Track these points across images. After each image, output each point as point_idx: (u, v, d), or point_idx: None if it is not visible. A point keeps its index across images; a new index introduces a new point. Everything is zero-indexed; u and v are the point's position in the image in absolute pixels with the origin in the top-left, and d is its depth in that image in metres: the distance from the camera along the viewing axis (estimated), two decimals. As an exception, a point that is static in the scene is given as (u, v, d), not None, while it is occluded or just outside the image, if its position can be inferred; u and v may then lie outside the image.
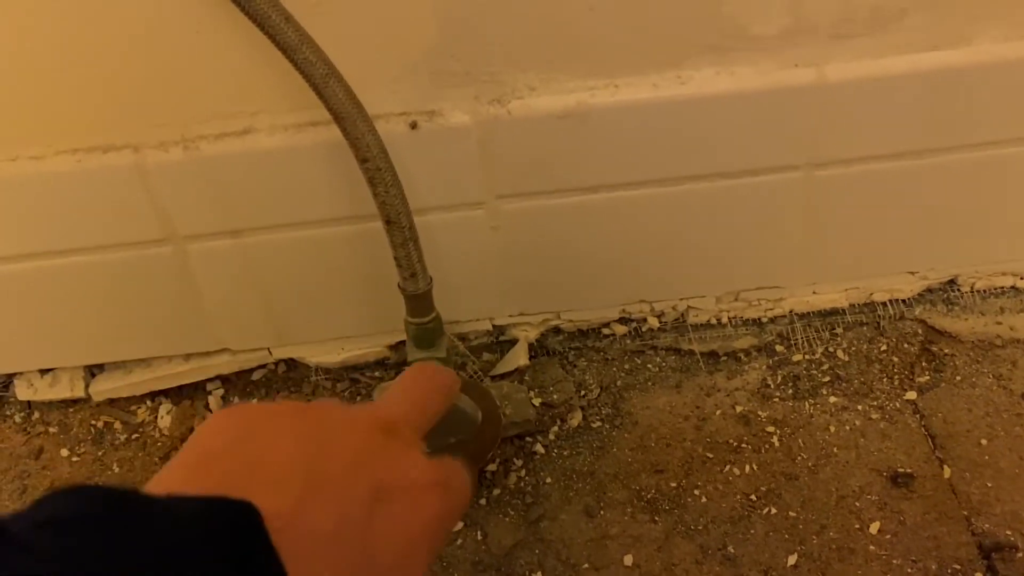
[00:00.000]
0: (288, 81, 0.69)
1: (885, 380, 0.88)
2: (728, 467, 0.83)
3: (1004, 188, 0.83)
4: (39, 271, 0.82)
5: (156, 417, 0.93)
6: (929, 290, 0.92)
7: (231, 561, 0.28)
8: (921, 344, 0.90)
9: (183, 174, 0.75)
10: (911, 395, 0.86)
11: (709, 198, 0.81)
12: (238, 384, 0.94)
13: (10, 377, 0.95)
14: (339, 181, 0.76)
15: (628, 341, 0.93)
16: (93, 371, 0.94)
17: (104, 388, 0.93)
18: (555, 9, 0.69)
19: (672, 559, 0.77)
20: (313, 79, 0.63)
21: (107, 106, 0.72)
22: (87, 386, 0.94)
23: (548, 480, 0.84)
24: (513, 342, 0.93)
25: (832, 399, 0.87)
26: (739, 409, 0.87)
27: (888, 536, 0.77)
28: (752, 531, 0.78)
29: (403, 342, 0.91)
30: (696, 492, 0.81)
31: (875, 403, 0.86)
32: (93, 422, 0.94)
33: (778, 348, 0.91)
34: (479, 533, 0.81)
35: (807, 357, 0.90)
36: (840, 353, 0.90)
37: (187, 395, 0.94)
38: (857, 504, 0.79)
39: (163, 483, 0.33)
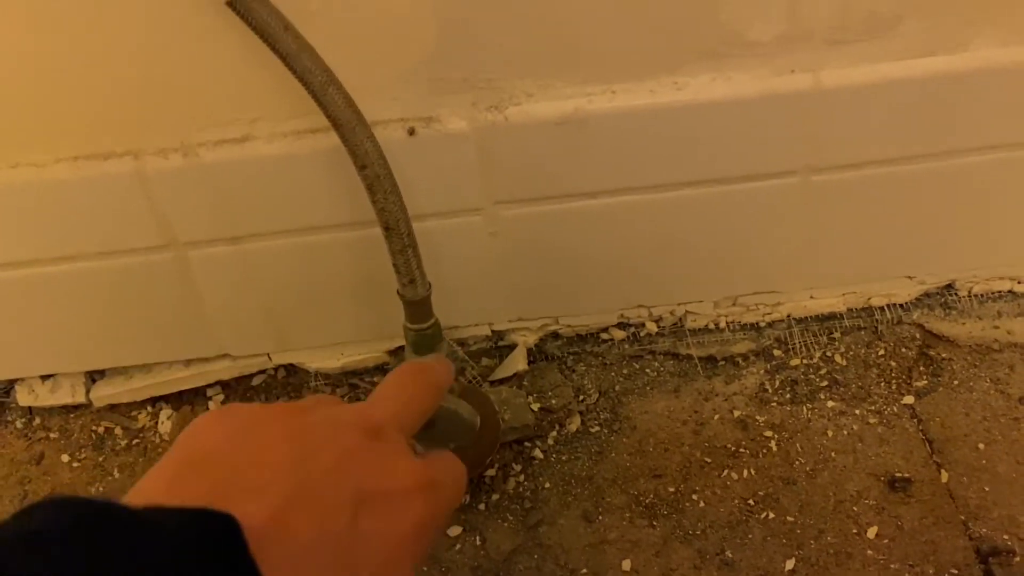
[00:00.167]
0: (287, 88, 0.69)
1: (883, 384, 0.88)
2: (726, 472, 0.83)
3: (1001, 193, 0.84)
4: (40, 277, 0.82)
5: (157, 422, 0.94)
6: (927, 294, 0.93)
7: (213, 574, 0.28)
8: (919, 348, 0.90)
9: (183, 181, 0.76)
10: (909, 399, 0.87)
11: (706, 203, 0.81)
12: (238, 389, 0.95)
13: (11, 383, 0.95)
14: (338, 187, 0.77)
15: (626, 346, 0.93)
16: (94, 377, 0.95)
17: (105, 394, 0.93)
18: (552, 15, 0.69)
19: (670, 564, 0.77)
20: (312, 87, 0.64)
21: (107, 113, 0.73)
22: (88, 392, 0.94)
23: (547, 485, 0.84)
24: (512, 347, 0.93)
25: (830, 403, 0.87)
26: (737, 414, 0.87)
27: (886, 541, 0.77)
28: (750, 536, 0.78)
29: (402, 347, 0.92)
30: (694, 497, 0.81)
31: (873, 407, 0.86)
32: (94, 427, 0.94)
33: (776, 353, 0.92)
34: (478, 538, 0.81)
35: (805, 362, 0.91)
36: (838, 358, 0.91)
37: (187, 400, 0.95)
38: (855, 509, 0.79)
39: (146, 488, 0.33)
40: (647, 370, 0.92)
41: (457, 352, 0.92)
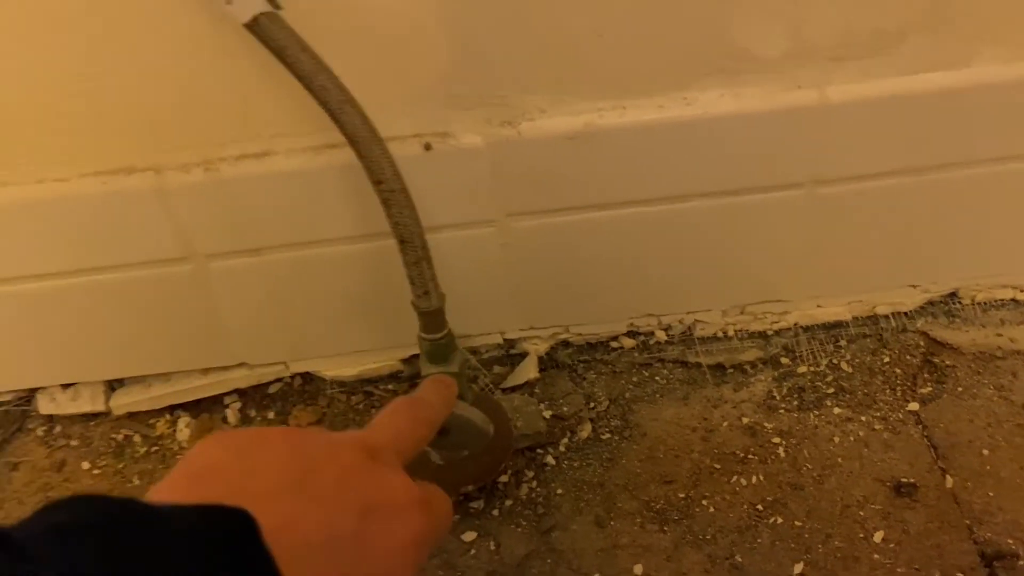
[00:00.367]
0: (305, 106, 0.71)
1: (888, 391, 0.90)
2: (735, 477, 0.85)
3: (1003, 203, 0.85)
4: (62, 289, 0.84)
5: (175, 430, 0.95)
6: (931, 303, 0.94)
7: (229, 566, 0.29)
8: (923, 356, 0.92)
9: (203, 195, 0.78)
10: (914, 406, 0.88)
11: (715, 215, 0.83)
12: (255, 397, 0.97)
13: (32, 392, 0.97)
14: (354, 201, 0.78)
15: (636, 354, 0.95)
16: (113, 385, 0.97)
17: (124, 402, 0.95)
18: (564, 34, 0.71)
19: (681, 568, 0.79)
20: (329, 105, 0.65)
21: (130, 130, 0.75)
22: (107, 400, 0.96)
23: (559, 491, 0.86)
24: (523, 355, 0.95)
25: (836, 410, 0.89)
26: (745, 420, 0.89)
27: (892, 545, 0.78)
28: (759, 540, 0.80)
29: (416, 356, 0.94)
30: (704, 502, 0.83)
31: (878, 414, 0.88)
32: (113, 435, 0.96)
33: (783, 360, 0.93)
34: (492, 543, 0.82)
35: (812, 369, 0.92)
36: (844, 365, 0.92)
37: (205, 408, 0.96)
38: (861, 513, 0.81)
39: (159, 496, 0.34)
40: (657, 378, 0.94)
41: (470, 360, 0.94)
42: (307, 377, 0.97)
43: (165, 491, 0.35)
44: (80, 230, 0.80)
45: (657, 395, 0.92)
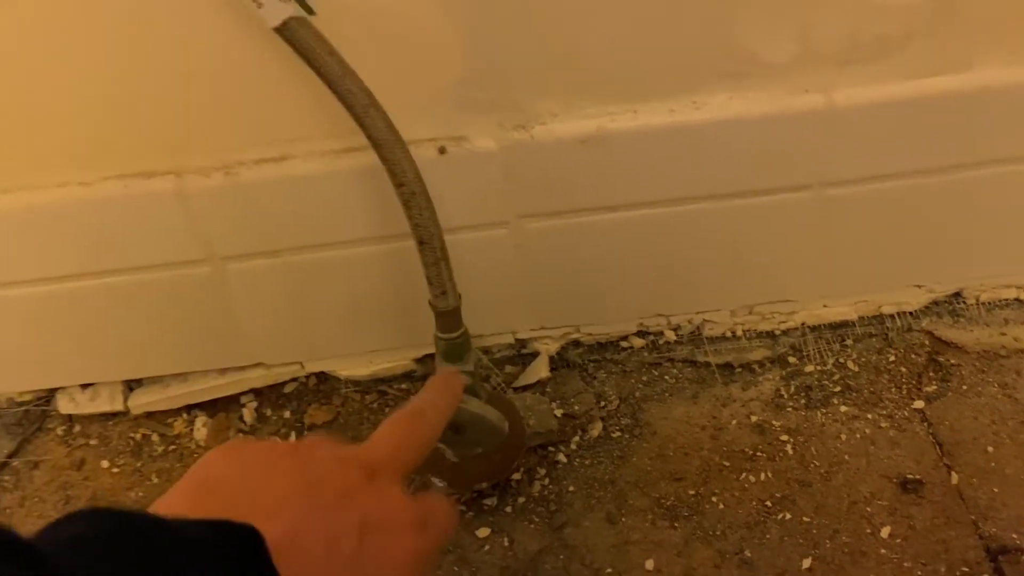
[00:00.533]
0: (324, 110, 0.73)
1: (894, 390, 0.91)
2: (744, 475, 0.86)
3: (1007, 204, 0.87)
4: (83, 290, 0.86)
5: (192, 429, 0.97)
6: (935, 303, 0.96)
7: None
8: (928, 355, 0.94)
9: (223, 198, 0.79)
10: (919, 404, 0.90)
11: (723, 216, 0.85)
12: (271, 397, 0.98)
13: (52, 392, 0.99)
14: (371, 203, 0.80)
15: (646, 353, 0.96)
16: (132, 385, 0.98)
17: (142, 402, 0.97)
18: (576, 41, 0.73)
19: (692, 563, 0.80)
20: (354, 109, 0.67)
21: (152, 134, 0.76)
22: (126, 400, 0.97)
23: (571, 488, 0.87)
24: (535, 355, 0.97)
25: (843, 408, 0.90)
26: (754, 419, 0.90)
27: (899, 540, 0.80)
28: (768, 536, 0.81)
29: (429, 355, 0.95)
30: (714, 499, 0.85)
31: (884, 412, 0.89)
32: (132, 434, 0.97)
33: (791, 360, 0.95)
34: (506, 539, 0.84)
35: (819, 368, 0.94)
36: (850, 364, 0.94)
37: (222, 408, 0.98)
38: (868, 509, 0.82)
39: (167, 507, 0.36)
40: (666, 377, 0.95)
41: (482, 360, 0.96)
42: (322, 377, 0.98)
43: (172, 501, 0.36)
44: (101, 232, 0.81)
45: (667, 394, 0.94)
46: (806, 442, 0.88)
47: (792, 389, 0.93)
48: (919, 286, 0.94)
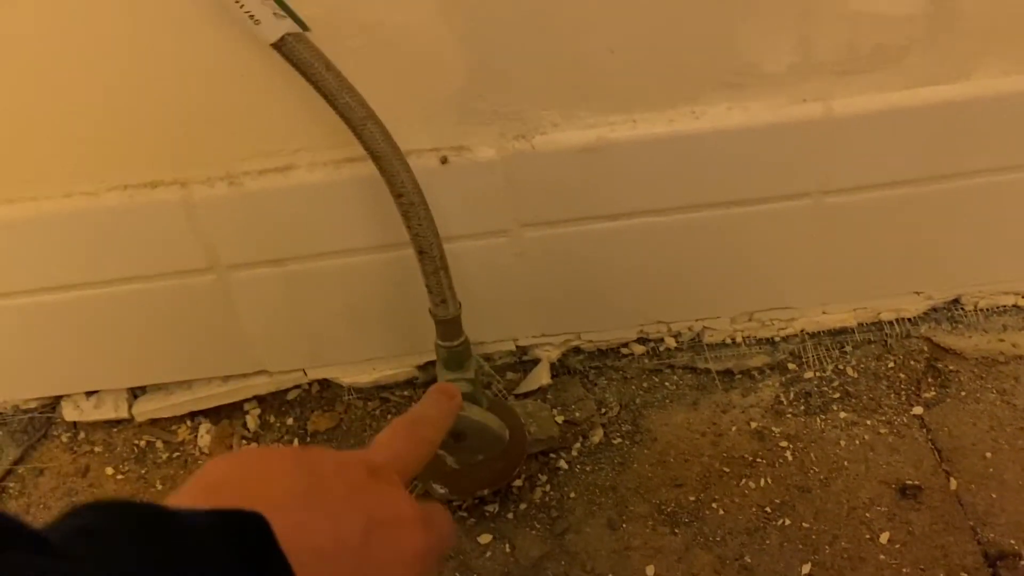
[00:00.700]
0: (327, 121, 0.74)
1: (893, 396, 0.92)
2: (744, 481, 0.87)
3: (1005, 212, 0.87)
4: (88, 299, 0.86)
5: (196, 436, 0.98)
6: (934, 309, 0.96)
7: (248, 567, 0.31)
8: (927, 361, 0.94)
9: (227, 208, 0.80)
10: (918, 410, 0.90)
11: (723, 225, 0.85)
12: (274, 404, 0.99)
13: (57, 399, 1.00)
14: (373, 213, 0.81)
15: (646, 360, 0.97)
16: (136, 393, 0.99)
17: (146, 409, 0.98)
18: (577, 51, 0.74)
19: (692, 569, 0.81)
20: (351, 122, 0.68)
21: (157, 145, 0.77)
22: (130, 407, 0.98)
23: (572, 495, 0.88)
24: (536, 362, 0.97)
25: (842, 414, 0.91)
26: (754, 425, 0.91)
27: (897, 546, 0.80)
28: (768, 542, 0.82)
29: (431, 362, 0.96)
30: (714, 505, 0.85)
31: (883, 418, 0.90)
32: (136, 441, 0.98)
33: (790, 366, 0.95)
34: (507, 545, 0.85)
35: (818, 374, 0.94)
36: (849, 370, 0.94)
37: (225, 415, 0.99)
38: (867, 515, 0.83)
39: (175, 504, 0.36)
40: (666, 384, 0.96)
41: (483, 367, 0.96)
42: (325, 384, 0.99)
43: (178, 502, 0.36)
44: (106, 242, 0.82)
45: (667, 400, 0.95)
46: (805, 448, 0.89)
47: (792, 395, 0.93)
48: (918, 293, 0.95)
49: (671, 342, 0.97)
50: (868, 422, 0.90)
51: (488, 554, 0.84)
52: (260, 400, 0.99)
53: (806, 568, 0.80)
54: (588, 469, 0.90)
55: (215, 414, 0.99)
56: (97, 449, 0.98)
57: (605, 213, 0.84)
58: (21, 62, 0.71)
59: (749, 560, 0.81)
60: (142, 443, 0.98)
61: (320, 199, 0.80)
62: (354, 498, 0.39)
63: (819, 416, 0.91)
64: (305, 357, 0.95)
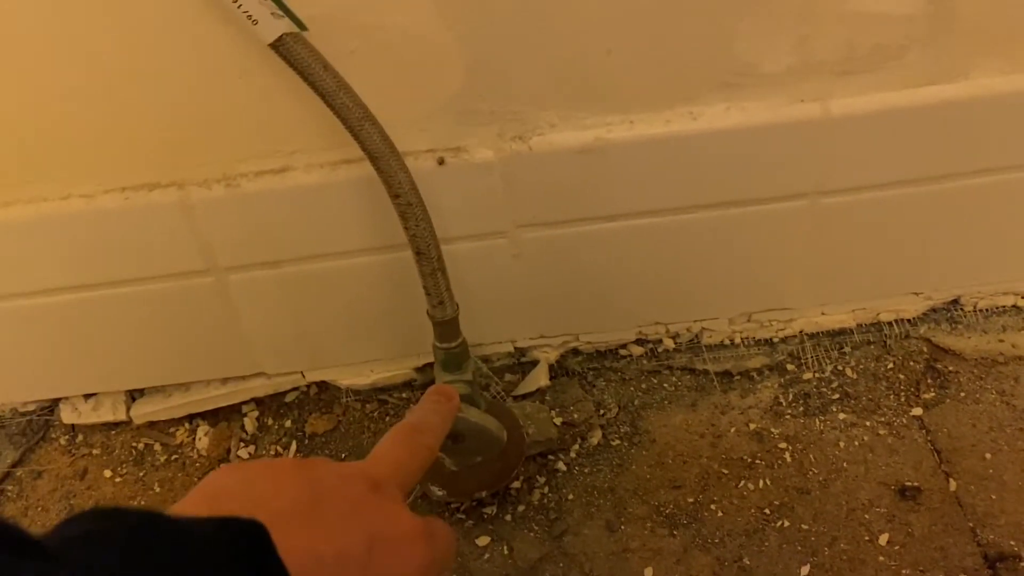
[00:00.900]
0: (324, 122, 0.74)
1: (892, 397, 0.92)
2: (743, 482, 0.86)
3: (1004, 212, 0.87)
4: (86, 301, 0.86)
5: (194, 438, 0.97)
6: (933, 310, 0.96)
7: (245, 571, 0.31)
8: (926, 362, 0.94)
9: (224, 209, 0.80)
10: (917, 411, 0.90)
11: (721, 225, 0.85)
12: (272, 406, 0.99)
13: (55, 402, 0.99)
14: (371, 214, 0.81)
15: (645, 361, 0.97)
16: (134, 395, 0.99)
17: (144, 411, 0.98)
18: (575, 52, 0.73)
19: (691, 571, 0.81)
20: (349, 122, 0.68)
21: (153, 147, 0.77)
22: (128, 410, 0.98)
23: (570, 496, 0.88)
24: (534, 363, 0.97)
25: (841, 416, 0.91)
26: (752, 426, 0.91)
27: (897, 547, 0.80)
28: (766, 543, 0.82)
29: (429, 364, 0.96)
30: (712, 507, 0.85)
31: (883, 419, 0.90)
32: (134, 444, 0.98)
33: (789, 367, 0.95)
34: (505, 548, 0.84)
35: (817, 375, 0.94)
36: (848, 371, 0.94)
37: (223, 417, 0.99)
38: (867, 517, 0.83)
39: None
40: (665, 385, 0.96)
41: (482, 368, 0.96)
42: (323, 386, 0.99)
43: (183, 511, 0.36)
44: (104, 244, 0.82)
45: (666, 402, 0.94)
46: (804, 449, 0.88)
47: (790, 396, 0.93)
48: (917, 293, 0.94)
49: (669, 343, 0.96)
50: (867, 423, 0.90)
51: (486, 556, 0.84)
52: (258, 402, 0.99)
53: (805, 570, 0.80)
54: (586, 471, 0.89)
55: (213, 416, 0.99)
56: (95, 451, 0.98)
57: (603, 214, 0.84)
58: (17, 64, 0.71)
59: (748, 562, 0.81)
60: (140, 445, 0.98)
61: (317, 200, 0.80)
62: (356, 514, 0.39)
63: (818, 417, 0.91)
64: (303, 359, 0.95)
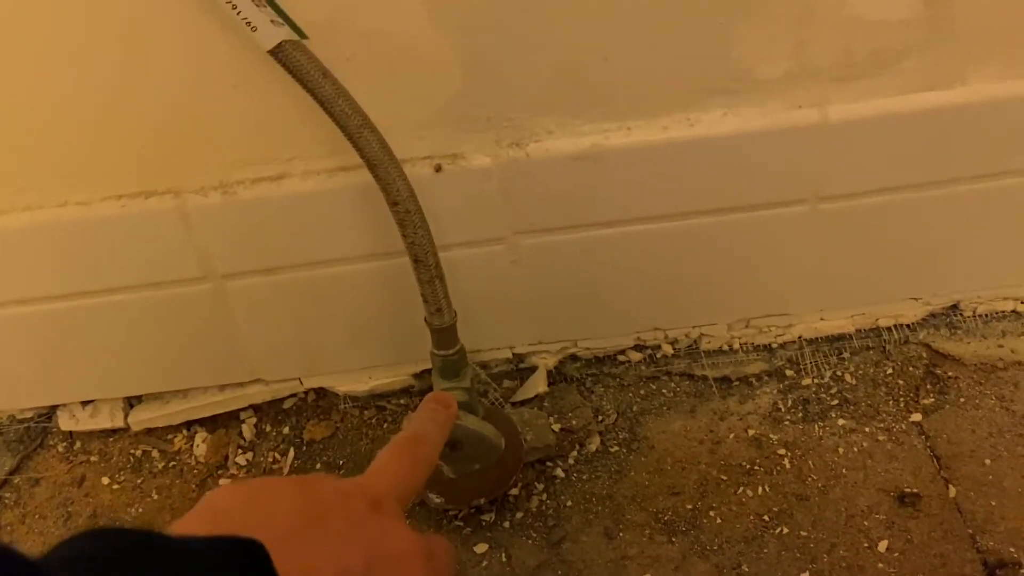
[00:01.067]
0: (320, 129, 0.74)
1: (891, 402, 0.91)
2: (741, 489, 0.86)
3: (1002, 217, 0.87)
4: (83, 309, 0.86)
5: (192, 445, 0.97)
6: (932, 315, 0.96)
7: None
8: (925, 367, 0.94)
9: (221, 217, 0.80)
10: (916, 417, 0.90)
11: (719, 231, 0.85)
12: (270, 412, 0.99)
13: (53, 409, 0.99)
14: (368, 221, 0.80)
15: (643, 368, 0.97)
16: (132, 402, 0.99)
17: (142, 418, 0.97)
18: (571, 59, 0.73)
19: (689, 578, 0.81)
20: (348, 129, 0.68)
21: (150, 154, 0.77)
22: (126, 416, 0.98)
23: (568, 503, 0.87)
24: (532, 370, 0.97)
25: (840, 422, 0.90)
26: (751, 432, 0.91)
27: (896, 554, 0.80)
28: (765, 550, 0.82)
29: (427, 371, 0.96)
30: (711, 513, 0.85)
31: (882, 425, 0.90)
32: (132, 451, 0.98)
33: (788, 373, 0.95)
34: (503, 555, 0.84)
35: (816, 381, 0.94)
36: (848, 377, 0.94)
37: (221, 424, 0.98)
38: (866, 523, 0.82)
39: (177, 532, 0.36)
40: (663, 391, 0.95)
41: (480, 375, 0.96)
42: (321, 392, 0.98)
43: (183, 529, 0.36)
44: (101, 251, 0.82)
45: (664, 408, 0.94)
46: (803, 456, 0.88)
47: (789, 403, 0.93)
48: (916, 299, 0.94)
49: (668, 349, 0.96)
50: (866, 429, 0.89)
51: (484, 563, 0.84)
52: (256, 409, 0.99)
53: (804, 577, 0.79)
54: (585, 477, 0.89)
55: (211, 423, 0.98)
56: (93, 459, 0.98)
57: (601, 220, 0.83)
58: (13, 71, 0.71)
59: (747, 569, 0.80)
60: (138, 452, 0.98)
61: (314, 207, 0.80)
62: (355, 532, 0.39)
63: (817, 423, 0.91)
64: (301, 366, 0.94)
